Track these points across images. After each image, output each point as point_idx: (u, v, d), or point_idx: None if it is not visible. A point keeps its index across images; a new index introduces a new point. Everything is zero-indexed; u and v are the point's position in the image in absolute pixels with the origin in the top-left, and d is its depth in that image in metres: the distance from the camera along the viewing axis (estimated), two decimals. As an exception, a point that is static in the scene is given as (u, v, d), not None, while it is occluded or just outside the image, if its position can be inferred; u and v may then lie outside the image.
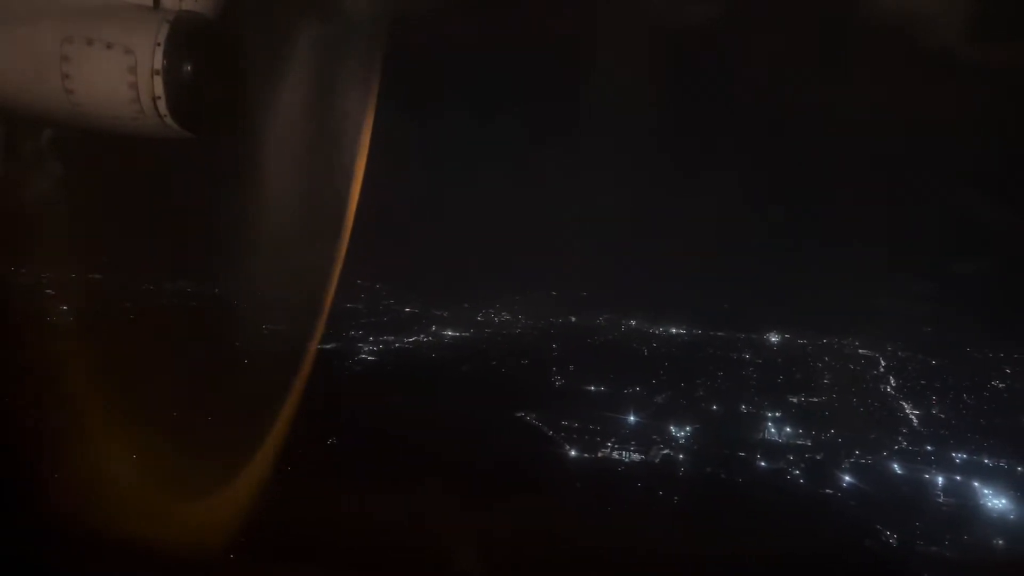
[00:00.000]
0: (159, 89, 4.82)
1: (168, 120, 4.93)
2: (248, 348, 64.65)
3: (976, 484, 45.92)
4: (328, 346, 69.84)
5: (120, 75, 4.82)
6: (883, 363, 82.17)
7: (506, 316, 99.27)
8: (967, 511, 42.52)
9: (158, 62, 4.79)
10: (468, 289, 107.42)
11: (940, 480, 46.77)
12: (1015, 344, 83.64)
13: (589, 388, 64.11)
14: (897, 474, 47.79)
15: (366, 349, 69.27)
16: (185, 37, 4.87)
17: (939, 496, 44.48)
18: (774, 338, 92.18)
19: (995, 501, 44.14)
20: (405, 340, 76.49)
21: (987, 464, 50.58)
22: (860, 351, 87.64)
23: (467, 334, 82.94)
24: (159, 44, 4.78)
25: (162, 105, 4.87)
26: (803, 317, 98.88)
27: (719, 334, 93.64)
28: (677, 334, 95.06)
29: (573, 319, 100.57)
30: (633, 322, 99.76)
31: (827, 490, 44.29)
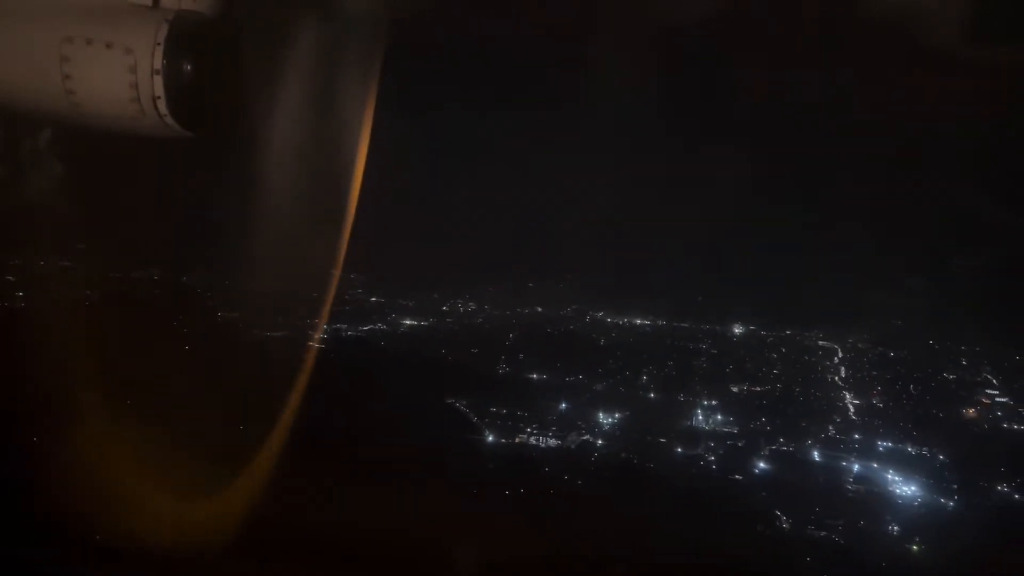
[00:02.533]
0: (159, 89, 4.82)
1: (168, 120, 4.94)
2: (200, 336, 65.47)
3: (890, 472, 46.10)
4: (277, 334, 70.47)
5: (120, 75, 4.81)
6: (840, 355, 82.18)
7: (472, 306, 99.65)
8: (872, 498, 42.76)
9: (158, 62, 4.78)
10: (441, 280, 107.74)
11: (856, 467, 46.98)
12: (981, 336, 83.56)
13: (532, 376, 64.55)
14: (814, 462, 48.04)
15: (316, 336, 69.66)
16: (184, 36, 4.86)
17: (849, 483, 44.68)
18: (738, 329, 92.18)
19: (903, 488, 44.34)
20: (360, 328, 76.96)
21: (910, 453, 50.80)
22: (820, 343, 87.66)
23: (425, 323, 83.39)
24: (159, 44, 4.78)
25: (162, 105, 4.87)
26: (775, 310, 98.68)
27: (683, 325, 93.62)
28: (640, 325, 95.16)
29: (539, 309, 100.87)
30: (600, 313, 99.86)
31: (736, 476, 44.55)
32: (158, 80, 4.79)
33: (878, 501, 42.40)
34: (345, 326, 75.79)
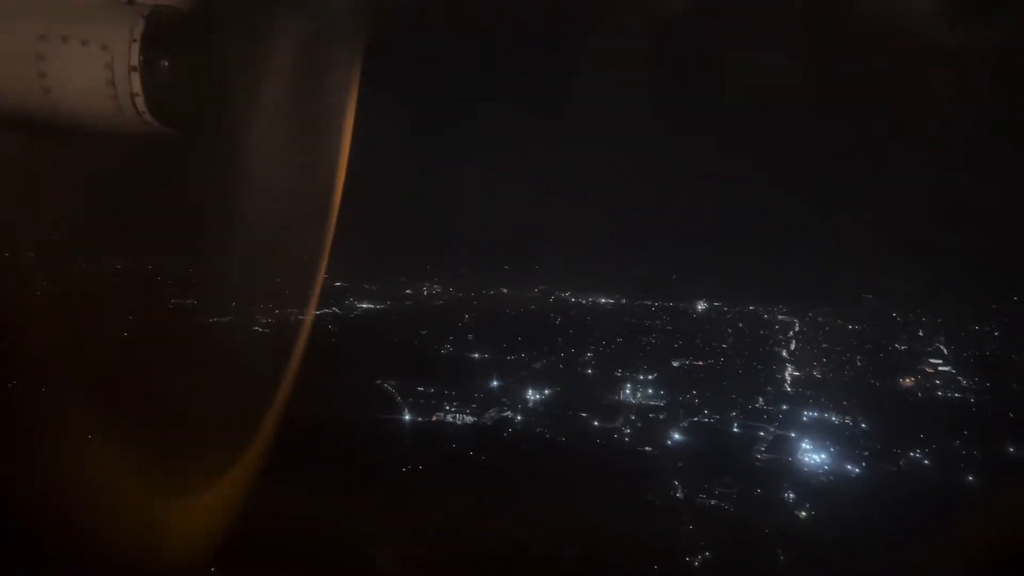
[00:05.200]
0: (137, 86, 4.74)
1: (147, 117, 4.86)
2: (144, 323, 65.94)
3: (805, 442, 46.09)
4: (224, 319, 71.03)
5: (97, 72, 4.73)
6: (796, 328, 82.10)
7: (437, 289, 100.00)
8: (778, 466, 42.81)
9: (134, 58, 4.71)
10: (413, 265, 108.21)
11: (771, 437, 47.00)
12: (947, 309, 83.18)
13: (473, 356, 64.72)
14: (732, 432, 48.08)
15: (263, 322, 70.08)
16: (161, 32, 4.80)
17: (760, 452, 44.73)
18: (701, 306, 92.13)
19: (813, 457, 44.36)
20: (312, 312, 77.16)
21: (833, 422, 50.78)
22: (780, 317, 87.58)
23: (381, 306, 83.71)
24: (135, 40, 4.71)
25: (140, 102, 4.79)
26: (743, 287, 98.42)
27: (646, 303, 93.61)
28: (605, 303, 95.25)
29: (505, 291, 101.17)
30: (567, 293, 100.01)
31: (646, 448, 44.68)
32: (135, 77, 4.73)
33: (783, 469, 42.41)
34: (297, 310, 76.01)
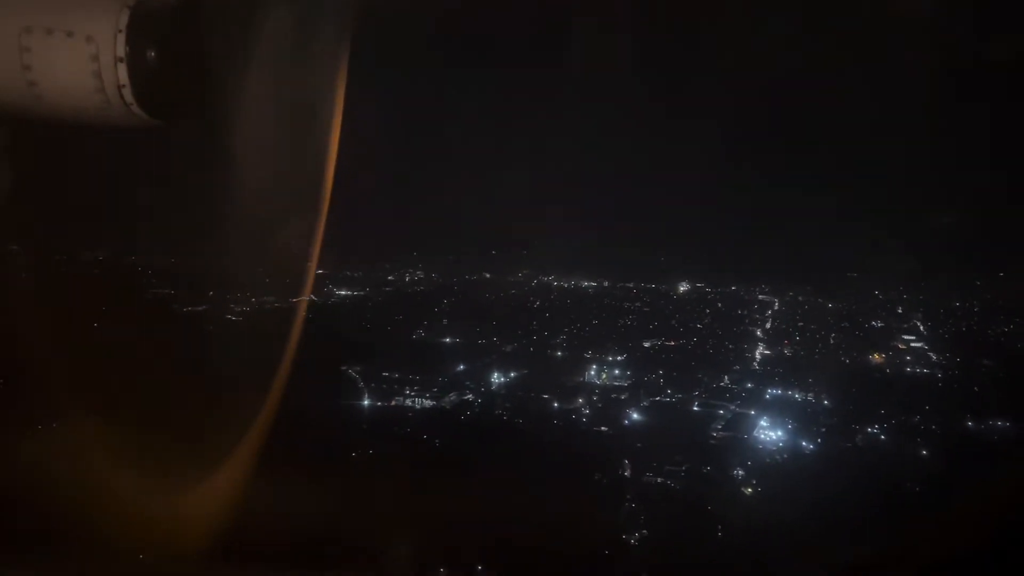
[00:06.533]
0: (123, 77, 4.68)
1: (135, 108, 4.81)
2: (118, 314, 65.95)
3: (764, 419, 46.02)
4: (199, 308, 71.22)
5: (82, 64, 4.66)
6: (775, 307, 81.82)
7: (420, 275, 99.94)
8: (733, 444, 42.76)
9: (120, 49, 4.64)
10: (397, 251, 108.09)
11: (730, 416, 46.93)
12: (930, 286, 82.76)
13: (444, 340, 64.76)
14: (691, 411, 48.01)
15: (237, 310, 70.17)
16: (147, 23, 4.72)
17: (716, 431, 44.68)
18: (683, 288, 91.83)
19: (769, 434, 44.29)
20: (290, 300, 77.20)
21: (796, 399, 50.65)
22: (760, 296, 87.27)
23: (360, 293, 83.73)
24: (120, 31, 4.64)
25: (127, 93, 4.73)
26: (727, 267, 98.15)
27: (627, 285, 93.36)
28: (587, 287, 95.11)
29: (488, 275, 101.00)
30: (550, 277, 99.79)
31: (602, 428, 44.67)
32: (122, 68, 4.66)
33: (736, 447, 42.33)
34: (273, 298, 76.10)
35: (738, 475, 38.68)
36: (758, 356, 61.37)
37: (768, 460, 40.91)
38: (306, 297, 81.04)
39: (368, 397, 48.94)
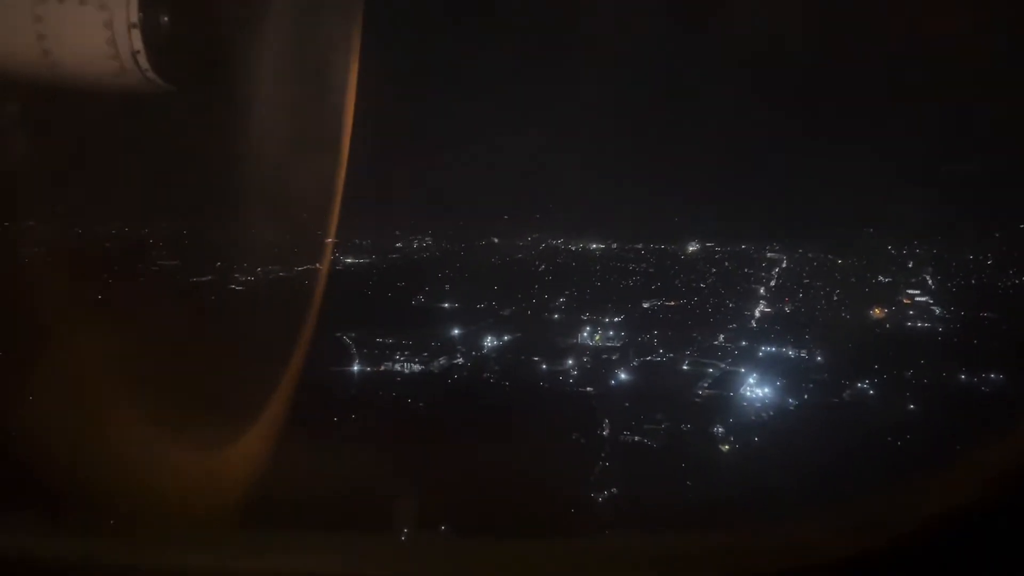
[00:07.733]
0: (137, 43, 4.67)
1: (150, 74, 4.80)
2: (121, 286, 67.08)
3: (753, 376, 45.70)
4: (204, 278, 72.17)
5: (96, 31, 4.66)
6: (784, 265, 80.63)
7: (428, 242, 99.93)
8: (718, 401, 42.57)
9: (134, 15, 4.64)
10: (408, 218, 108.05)
11: (719, 374, 46.67)
12: (946, 240, 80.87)
13: (442, 306, 64.99)
14: (680, 370, 47.80)
15: (242, 280, 70.93)
16: None
17: (702, 389, 44.49)
18: (692, 247, 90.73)
19: (756, 391, 44.00)
20: (295, 269, 77.88)
21: (789, 356, 50.18)
22: (769, 255, 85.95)
23: (366, 261, 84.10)
24: None
25: (142, 59, 4.73)
26: (741, 226, 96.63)
27: (636, 247, 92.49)
28: (595, 249, 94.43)
29: (496, 240, 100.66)
30: (559, 240, 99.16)
31: (588, 388, 44.69)
32: (136, 34, 4.64)
33: (721, 404, 42.14)
34: (278, 267, 76.74)
35: (717, 432, 38.52)
36: (757, 314, 60.69)
37: (751, 417, 40.63)
38: (312, 266, 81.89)
39: (359, 363, 49.37)
